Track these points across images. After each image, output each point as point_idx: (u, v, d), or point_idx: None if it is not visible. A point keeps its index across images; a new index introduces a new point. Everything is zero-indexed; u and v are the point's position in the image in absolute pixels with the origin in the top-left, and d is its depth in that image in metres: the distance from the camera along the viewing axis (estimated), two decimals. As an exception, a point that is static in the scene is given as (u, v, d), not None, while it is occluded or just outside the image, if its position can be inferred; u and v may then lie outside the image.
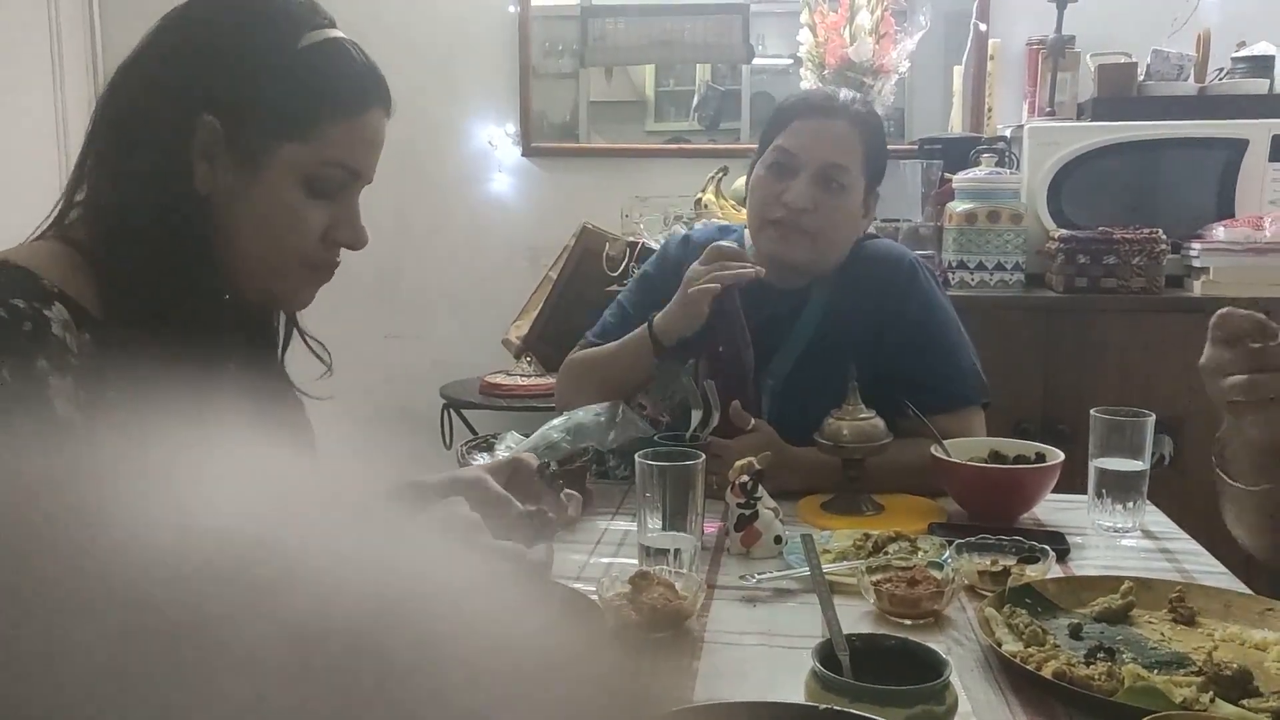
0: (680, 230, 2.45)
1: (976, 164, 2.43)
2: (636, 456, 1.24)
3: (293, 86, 1.00)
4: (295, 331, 1.19)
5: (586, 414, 1.51)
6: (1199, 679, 0.93)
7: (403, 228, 3.08)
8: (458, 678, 0.22)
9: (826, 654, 0.89)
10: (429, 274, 3.18)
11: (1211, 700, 0.90)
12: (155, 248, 0.99)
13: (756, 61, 3.07)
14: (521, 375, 2.80)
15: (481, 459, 1.48)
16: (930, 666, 0.87)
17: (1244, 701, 0.90)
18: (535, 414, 2.48)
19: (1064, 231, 2.36)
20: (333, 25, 1.06)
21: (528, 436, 1.49)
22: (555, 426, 1.50)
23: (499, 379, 2.79)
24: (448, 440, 2.74)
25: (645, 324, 1.60)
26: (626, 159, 3.12)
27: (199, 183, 1.00)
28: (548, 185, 3.14)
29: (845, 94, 1.71)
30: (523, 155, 3.12)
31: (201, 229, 1.00)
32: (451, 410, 2.81)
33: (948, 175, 2.53)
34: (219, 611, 0.22)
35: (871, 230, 1.83)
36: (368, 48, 1.09)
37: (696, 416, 1.46)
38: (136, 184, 0.99)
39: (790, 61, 2.93)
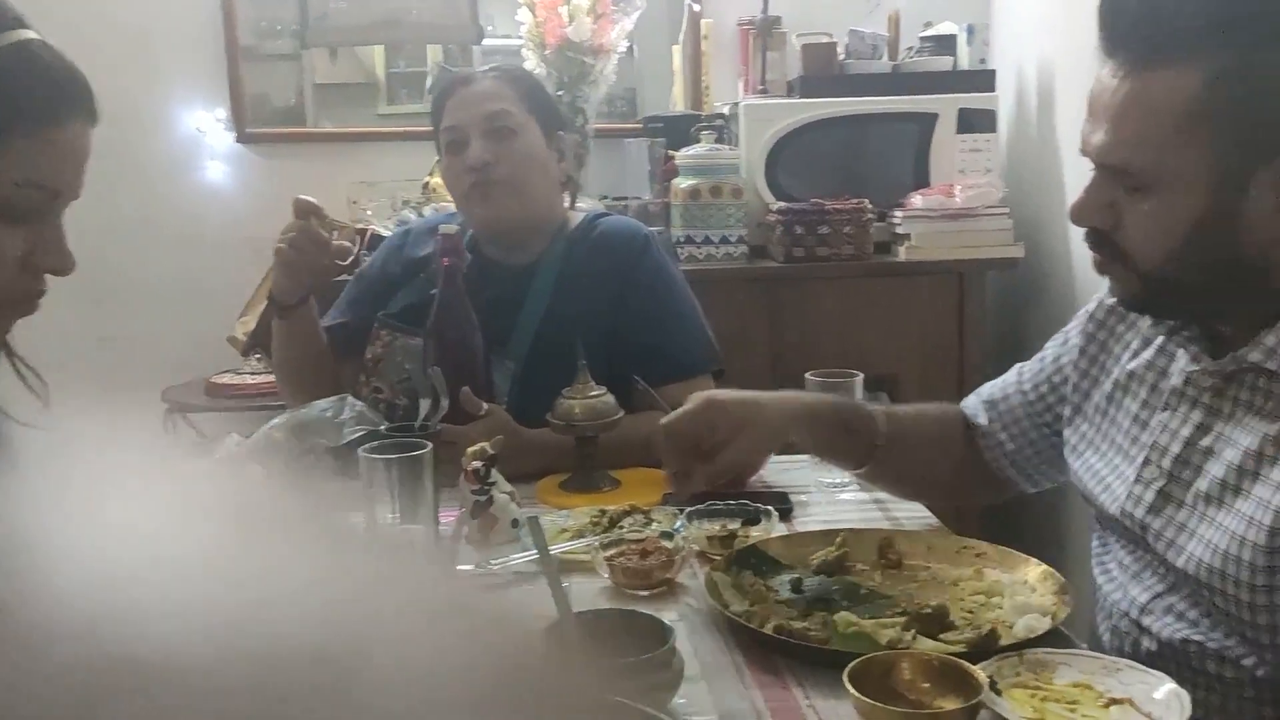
0: (410, 216, 2.43)
1: (697, 141, 2.51)
2: (360, 450, 1.21)
3: None
4: (4, 355, 1.07)
5: (311, 410, 1.45)
6: (903, 619, 1.00)
7: (111, 222, 2.84)
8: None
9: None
10: (144, 271, 2.96)
11: (914, 638, 0.97)
12: None
13: (487, 42, 3.03)
14: (250, 373, 2.66)
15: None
16: (657, 636, 0.89)
17: (942, 636, 0.98)
18: (268, 413, 2.37)
19: (781, 204, 2.47)
20: (21, 25, 0.93)
21: (248, 438, 1.41)
22: (277, 426, 1.42)
23: (226, 379, 2.65)
24: (172, 447, 2.58)
25: None
26: (353, 143, 3.02)
27: None
28: (267, 173, 2.98)
29: (483, 67, 1.81)
30: (237, 141, 2.96)
31: None
32: (176, 415, 2.64)
33: (671, 152, 2.60)
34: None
35: (603, 209, 1.89)
36: (52, 27, 0.98)
37: (425, 405, 1.43)
38: None
39: (520, 42, 2.92)
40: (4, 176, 0.91)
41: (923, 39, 2.68)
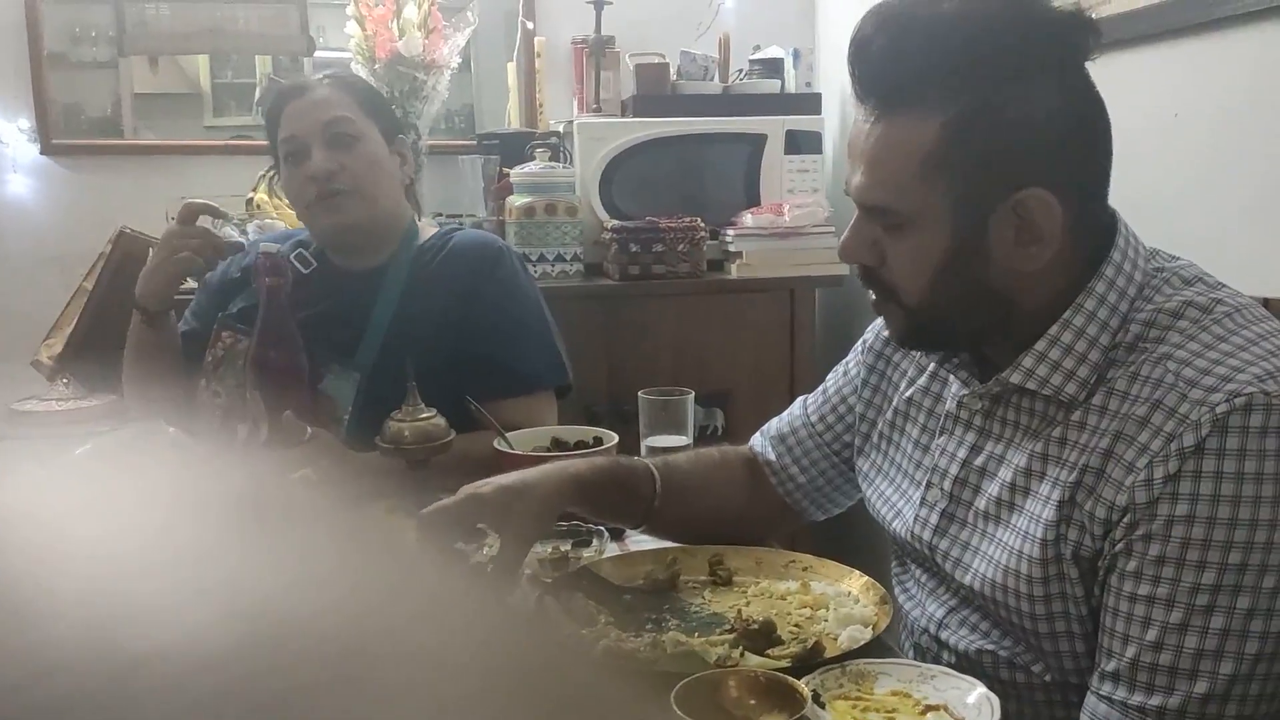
0: (232, 233, 2.35)
1: (532, 159, 2.49)
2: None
3: None
4: None
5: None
6: (732, 636, 1.01)
7: (-104, 238, 2.65)
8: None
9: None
10: (-63, 291, 2.76)
11: (742, 654, 0.97)
12: None
13: (319, 54, 2.94)
14: (58, 400, 2.49)
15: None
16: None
17: (770, 651, 0.99)
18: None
19: (616, 222, 2.49)
20: None
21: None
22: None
23: (29, 405, 2.48)
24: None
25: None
26: (173, 156, 2.88)
27: None
28: (76, 187, 2.82)
29: (316, 75, 1.79)
30: (42, 153, 2.79)
31: None
32: (-28, 445, 2.46)
33: (506, 170, 2.58)
34: None
35: (457, 224, 1.90)
36: None
37: (243, 430, 1.37)
38: None
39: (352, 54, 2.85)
40: None
41: (752, 62, 2.74)
